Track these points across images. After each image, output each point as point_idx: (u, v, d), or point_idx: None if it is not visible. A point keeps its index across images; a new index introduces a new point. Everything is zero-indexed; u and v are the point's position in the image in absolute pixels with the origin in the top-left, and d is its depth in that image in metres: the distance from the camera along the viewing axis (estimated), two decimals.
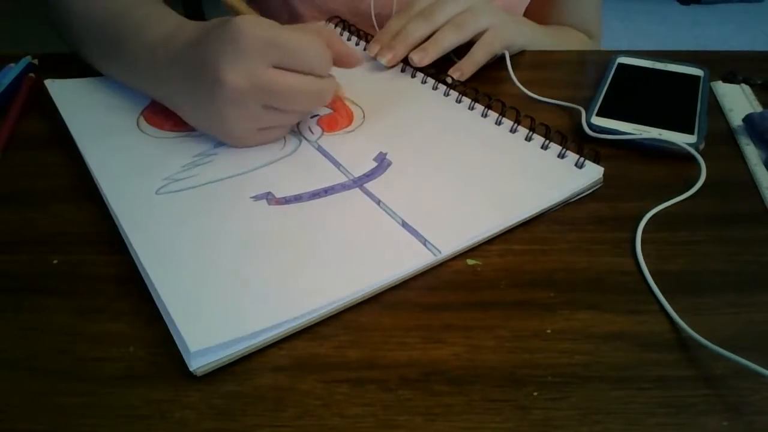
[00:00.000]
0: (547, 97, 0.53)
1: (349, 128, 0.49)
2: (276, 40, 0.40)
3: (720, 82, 0.56)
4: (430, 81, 0.54)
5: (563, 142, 0.45)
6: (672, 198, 0.43)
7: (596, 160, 0.44)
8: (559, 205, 0.42)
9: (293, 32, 0.42)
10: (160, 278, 0.35)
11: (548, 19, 0.74)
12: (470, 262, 0.38)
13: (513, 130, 0.48)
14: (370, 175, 0.43)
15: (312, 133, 0.48)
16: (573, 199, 0.43)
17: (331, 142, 0.47)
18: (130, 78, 0.50)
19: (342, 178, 0.43)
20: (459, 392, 0.31)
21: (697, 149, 0.46)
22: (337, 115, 0.50)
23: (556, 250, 0.39)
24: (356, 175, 0.43)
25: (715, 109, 0.53)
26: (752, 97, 0.54)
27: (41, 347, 0.33)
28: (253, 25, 0.40)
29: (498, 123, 0.49)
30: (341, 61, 0.46)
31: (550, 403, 0.30)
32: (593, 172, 0.44)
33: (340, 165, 0.44)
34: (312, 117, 0.50)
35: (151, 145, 0.46)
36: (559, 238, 0.40)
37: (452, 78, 0.54)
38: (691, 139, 0.47)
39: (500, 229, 0.40)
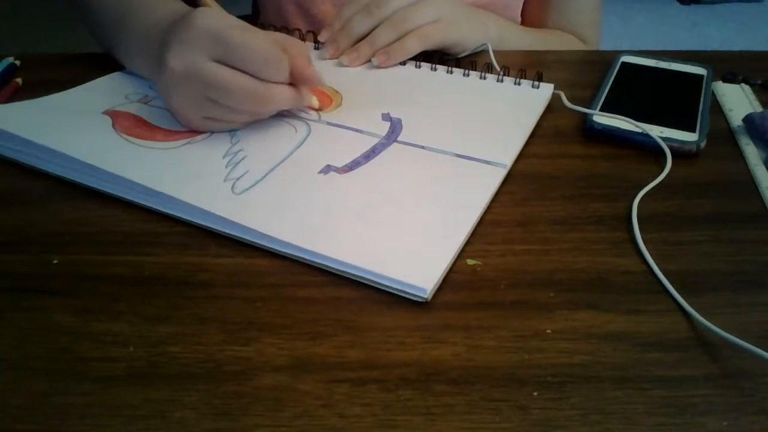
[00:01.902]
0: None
1: (336, 104, 0.51)
2: (221, 34, 0.42)
3: (720, 82, 0.56)
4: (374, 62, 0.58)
5: (520, 75, 0.54)
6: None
7: (539, 75, 0.54)
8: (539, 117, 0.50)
9: (244, 32, 0.43)
10: (339, 251, 0.36)
11: (545, 24, 0.74)
12: (470, 262, 0.38)
13: (465, 75, 0.56)
14: (394, 131, 0.47)
15: (309, 115, 0.50)
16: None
17: (336, 116, 0.49)
18: (127, 57, 0.53)
19: (374, 140, 0.46)
20: (459, 392, 0.31)
21: (698, 147, 0.46)
22: (318, 98, 0.51)
23: (556, 250, 0.39)
24: (382, 134, 0.47)
25: (715, 109, 0.53)
26: (752, 97, 0.54)
27: (41, 347, 0.33)
28: (205, 17, 0.43)
29: (465, 75, 0.56)
30: (298, 77, 0.45)
31: (550, 403, 0.30)
32: (547, 89, 0.54)
33: (362, 130, 0.47)
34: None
35: (169, 155, 0.45)
36: (559, 238, 0.40)
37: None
38: (693, 137, 0.47)
39: (526, 135, 0.48)
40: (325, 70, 0.54)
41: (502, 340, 0.33)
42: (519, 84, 0.54)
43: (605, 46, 0.77)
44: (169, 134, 0.47)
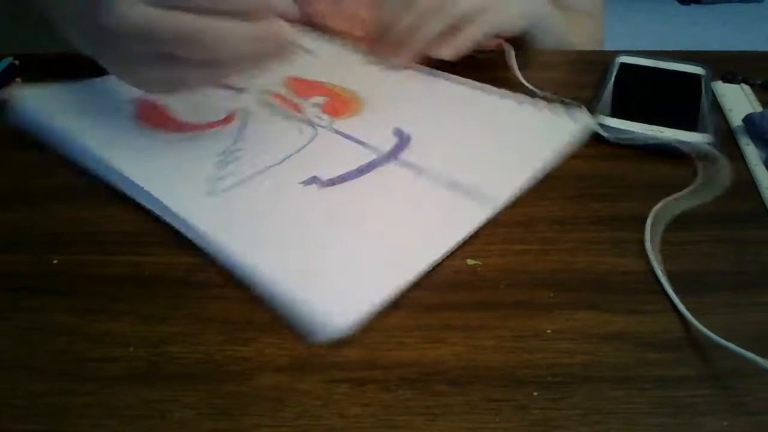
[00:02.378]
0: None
1: (353, 112, 0.50)
2: None
3: (720, 82, 0.56)
4: (416, 68, 0.55)
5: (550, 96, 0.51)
6: (686, 197, 0.43)
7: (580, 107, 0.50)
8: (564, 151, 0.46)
9: None
10: (272, 270, 0.35)
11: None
12: (470, 262, 0.38)
13: (502, 96, 0.52)
14: (400, 147, 0.45)
15: (321, 120, 0.49)
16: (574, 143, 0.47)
17: (345, 125, 0.48)
18: (67, 30, 0.45)
19: (374, 155, 0.45)
20: (459, 392, 0.31)
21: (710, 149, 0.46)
22: (335, 102, 0.51)
23: (556, 250, 0.39)
24: (385, 151, 0.45)
25: (715, 109, 0.53)
26: (752, 97, 0.54)
27: (41, 347, 0.33)
28: None
29: (486, 91, 0.52)
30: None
31: (550, 403, 0.30)
32: (585, 118, 0.49)
33: (366, 144, 0.46)
34: (313, 106, 0.50)
35: (168, 147, 0.45)
36: (559, 238, 0.40)
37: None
38: (704, 138, 0.47)
39: (539, 172, 0.43)
40: (358, 74, 0.55)
41: (502, 340, 0.33)
42: (554, 107, 0.50)
43: (606, 46, 0.77)
44: (181, 126, 0.47)
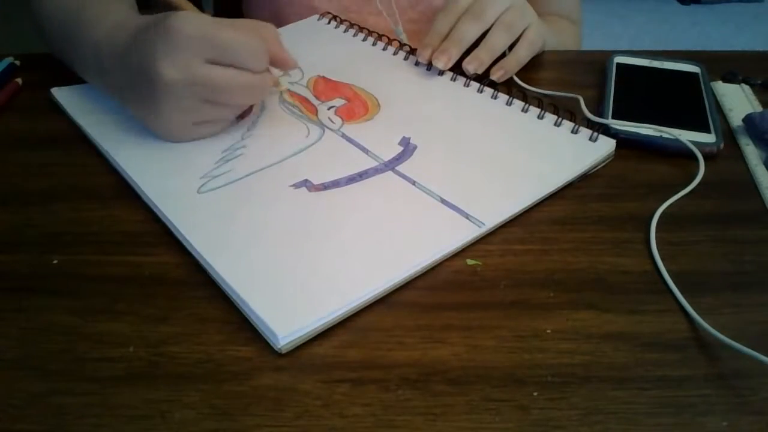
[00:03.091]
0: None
1: (367, 117, 0.50)
2: (209, 35, 0.42)
3: (720, 82, 0.56)
4: (447, 73, 0.55)
5: (573, 119, 0.48)
6: (686, 196, 0.43)
7: (615, 135, 0.47)
8: (580, 178, 0.44)
9: (228, 28, 0.43)
10: (228, 272, 0.35)
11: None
12: (470, 262, 0.38)
13: (524, 110, 0.50)
14: (400, 158, 0.45)
15: (333, 122, 0.49)
16: (590, 172, 0.45)
17: (354, 130, 0.48)
18: (86, 74, 0.51)
19: (373, 163, 0.44)
20: (459, 392, 0.31)
21: (718, 148, 0.46)
22: (353, 105, 0.51)
23: (556, 250, 0.39)
24: (386, 159, 0.45)
25: (716, 108, 0.53)
26: (752, 97, 0.54)
27: (41, 347, 0.33)
28: (187, 21, 0.42)
29: (509, 104, 0.50)
30: (276, 62, 0.46)
31: (550, 403, 0.30)
32: (607, 145, 0.46)
33: (368, 150, 0.46)
34: (329, 108, 0.51)
35: (175, 144, 0.46)
36: (559, 238, 0.40)
37: (491, 79, 0.53)
38: (711, 138, 0.47)
39: (534, 201, 0.42)
40: (385, 77, 0.55)
41: (502, 340, 0.33)
42: (576, 132, 0.47)
43: (606, 46, 0.77)
44: None
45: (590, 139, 0.46)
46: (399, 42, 0.59)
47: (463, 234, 0.38)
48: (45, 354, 0.32)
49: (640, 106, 0.51)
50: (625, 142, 0.47)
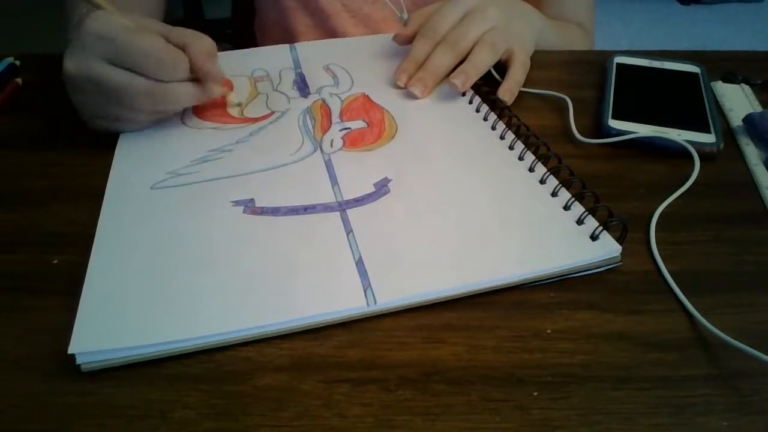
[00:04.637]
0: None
1: (372, 146, 0.47)
2: (110, 36, 0.43)
3: (720, 82, 0.56)
4: (483, 109, 0.50)
5: (596, 203, 0.39)
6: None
7: (623, 234, 0.38)
8: (551, 278, 0.36)
9: (135, 33, 0.43)
10: (95, 269, 0.36)
11: (542, 12, 0.74)
12: None
13: (542, 180, 0.42)
14: (361, 201, 0.41)
15: (331, 146, 0.47)
16: (576, 275, 0.37)
17: (344, 158, 0.45)
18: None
19: (329, 199, 0.41)
20: (459, 392, 0.31)
21: (719, 148, 0.46)
22: (367, 131, 0.48)
23: None
24: (346, 198, 0.41)
25: (716, 108, 0.53)
26: (752, 97, 0.54)
27: (41, 347, 0.33)
28: (97, 21, 0.44)
29: (531, 170, 0.43)
30: (199, 73, 0.46)
31: (550, 403, 0.30)
32: (606, 248, 0.37)
33: (337, 184, 0.43)
34: (341, 130, 0.48)
35: (178, 135, 0.47)
36: None
37: (500, 101, 0.51)
38: (711, 138, 0.47)
39: (458, 293, 0.35)
40: (412, 108, 0.51)
41: (502, 340, 0.33)
42: (581, 222, 0.39)
43: (606, 46, 0.77)
44: (229, 119, 0.50)
45: (591, 236, 0.38)
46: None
47: (345, 305, 0.34)
48: (45, 354, 0.32)
49: (640, 106, 0.51)
50: (625, 142, 0.47)
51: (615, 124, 0.49)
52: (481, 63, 0.54)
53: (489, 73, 0.54)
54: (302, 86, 0.54)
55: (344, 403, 0.30)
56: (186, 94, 0.46)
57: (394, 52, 0.58)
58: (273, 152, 0.46)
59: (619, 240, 0.37)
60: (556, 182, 0.42)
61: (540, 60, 0.61)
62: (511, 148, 0.46)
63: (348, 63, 0.58)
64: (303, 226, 0.39)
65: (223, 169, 0.44)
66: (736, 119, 0.51)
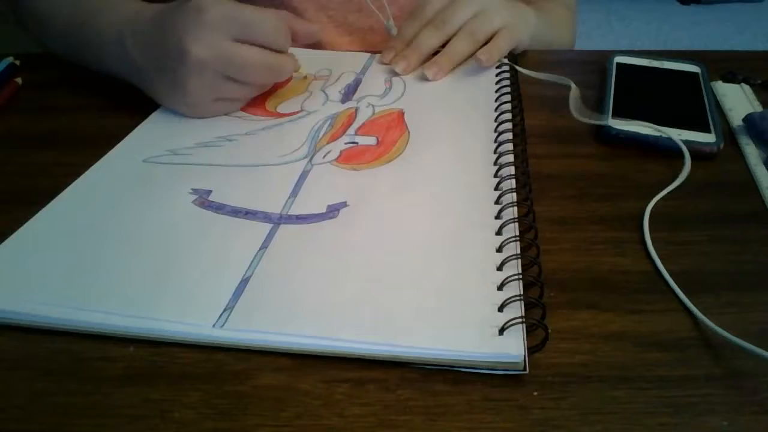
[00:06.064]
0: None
1: (360, 166, 0.45)
2: (234, 15, 0.45)
3: (720, 82, 0.56)
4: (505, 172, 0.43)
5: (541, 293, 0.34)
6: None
7: (545, 340, 0.32)
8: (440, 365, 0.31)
9: (252, 9, 0.45)
10: (27, 227, 0.38)
11: None
12: None
13: (500, 249, 0.37)
14: (302, 219, 0.39)
15: (324, 157, 0.45)
16: (464, 369, 0.31)
17: (326, 171, 0.44)
18: (99, 60, 0.53)
19: (274, 209, 0.40)
20: (459, 392, 0.31)
21: (718, 148, 0.46)
22: (370, 149, 0.46)
23: (556, 250, 0.39)
24: (290, 213, 0.40)
25: (716, 108, 0.53)
26: (752, 97, 0.54)
27: (41, 347, 0.33)
28: (213, 2, 0.45)
29: (498, 233, 0.38)
30: (299, 37, 0.50)
31: (550, 403, 0.30)
32: (510, 350, 0.30)
33: (294, 197, 0.41)
34: (346, 143, 0.47)
35: (202, 120, 0.49)
36: (558, 238, 0.40)
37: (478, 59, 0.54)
38: (711, 138, 0.47)
39: (330, 349, 0.31)
40: (432, 133, 0.48)
41: None
42: (502, 310, 0.33)
43: (606, 46, 0.78)
44: (265, 113, 0.52)
45: (499, 330, 0.31)
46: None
47: (190, 318, 0.32)
48: (45, 354, 0.32)
49: (640, 106, 0.51)
50: (625, 142, 0.47)
51: (615, 123, 0.49)
52: (457, 53, 0.55)
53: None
54: (349, 92, 0.54)
55: (344, 403, 0.30)
56: (291, 63, 0.49)
57: (470, 80, 0.55)
58: (266, 150, 0.46)
59: (544, 341, 0.32)
60: (514, 250, 0.36)
61: (540, 60, 0.61)
62: (496, 202, 0.40)
63: (414, 78, 0.56)
64: (228, 229, 0.38)
65: (214, 156, 0.45)
66: (736, 119, 0.51)
